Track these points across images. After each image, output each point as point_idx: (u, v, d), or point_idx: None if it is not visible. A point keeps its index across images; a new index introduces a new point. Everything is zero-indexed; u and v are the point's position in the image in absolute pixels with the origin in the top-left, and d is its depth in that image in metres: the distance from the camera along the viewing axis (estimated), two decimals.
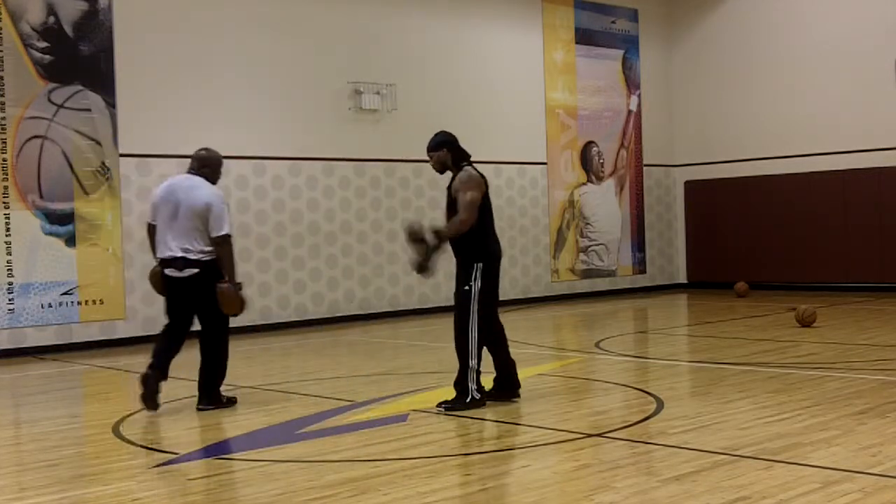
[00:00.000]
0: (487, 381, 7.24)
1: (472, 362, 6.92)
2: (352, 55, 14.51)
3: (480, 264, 6.94)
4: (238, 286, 7.23)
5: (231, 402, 7.47)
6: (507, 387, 7.25)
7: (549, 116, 17.09)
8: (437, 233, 6.93)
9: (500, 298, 7.33)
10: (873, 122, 16.39)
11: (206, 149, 7.60)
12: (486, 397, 7.03)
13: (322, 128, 14.13)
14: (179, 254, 7.15)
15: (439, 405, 7.00)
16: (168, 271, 7.23)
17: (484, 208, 6.99)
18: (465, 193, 6.88)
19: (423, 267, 6.96)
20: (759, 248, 17.86)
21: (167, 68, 12.77)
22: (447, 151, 7.08)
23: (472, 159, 7.18)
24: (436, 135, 7.21)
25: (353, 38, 14.56)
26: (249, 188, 13.47)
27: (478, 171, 7.07)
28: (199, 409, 7.28)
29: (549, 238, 17.00)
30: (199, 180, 7.38)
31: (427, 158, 7.23)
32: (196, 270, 7.14)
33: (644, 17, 18.66)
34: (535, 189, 16.80)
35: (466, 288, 6.92)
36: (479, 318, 6.93)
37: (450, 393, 7.18)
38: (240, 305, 7.24)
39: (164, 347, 7.31)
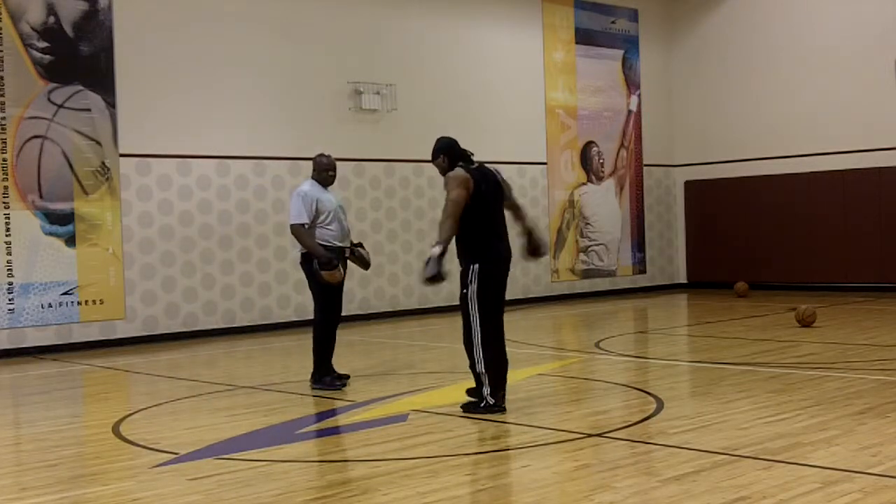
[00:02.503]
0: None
1: (479, 367, 6.82)
2: (352, 55, 14.51)
3: (477, 266, 6.81)
4: (324, 262, 7.96)
5: (334, 385, 8.11)
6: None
7: (549, 116, 17.10)
8: (439, 242, 6.70)
9: None
10: (873, 122, 16.40)
11: (319, 154, 8.55)
12: (501, 404, 6.87)
13: (322, 128, 14.12)
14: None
15: (461, 406, 6.98)
16: None
17: (479, 208, 6.81)
18: (447, 195, 6.77)
19: (435, 278, 6.58)
20: (759, 248, 17.86)
21: (167, 68, 12.77)
22: (444, 158, 7.02)
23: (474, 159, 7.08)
24: (435, 142, 7.14)
25: (353, 38, 14.57)
26: (249, 188, 13.47)
27: (472, 169, 6.90)
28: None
29: (549, 238, 16.99)
30: (305, 181, 8.45)
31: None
32: (299, 258, 8.28)
33: (644, 17, 18.67)
34: (535, 189, 16.79)
35: (464, 291, 6.84)
36: (481, 321, 6.81)
37: (455, 392, 7.23)
38: (330, 277, 8.01)
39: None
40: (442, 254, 6.55)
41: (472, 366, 6.88)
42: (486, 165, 7.10)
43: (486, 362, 6.80)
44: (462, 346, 6.99)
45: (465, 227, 6.79)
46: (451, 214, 6.69)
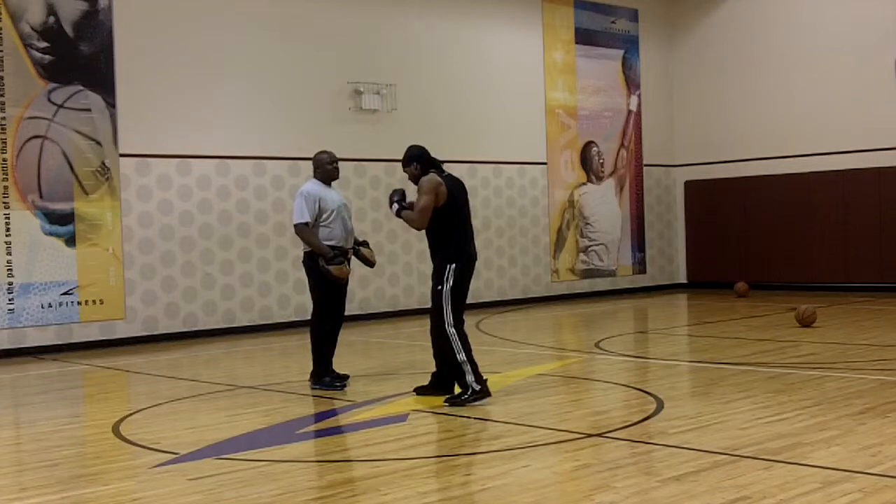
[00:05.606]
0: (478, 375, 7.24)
1: (461, 356, 7.14)
2: (352, 55, 14.51)
3: (453, 266, 7.24)
4: (330, 258, 7.94)
5: (334, 385, 8.07)
6: (444, 386, 7.42)
7: (549, 116, 17.09)
8: (400, 209, 7.39)
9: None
10: (873, 122, 16.39)
11: (319, 151, 8.48)
12: (486, 388, 7.18)
13: (322, 128, 14.12)
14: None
15: (445, 400, 7.19)
16: None
17: (454, 212, 7.27)
18: (419, 199, 7.23)
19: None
20: (759, 248, 17.86)
21: (167, 68, 12.77)
22: (417, 165, 7.44)
23: (454, 160, 7.43)
24: (406, 150, 7.55)
25: (353, 38, 14.56)
26: (249, 188, 13.47)
27: (443, 176, 7.32)
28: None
29: (549, 238, 17.00)
30: (307, 181, 8.43)
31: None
32: (302, 258, 8.28)
33: (644, 17, 18.67)
34: (535, 189, 16.79)
35: (439, 288, 7.24)
36: (454, 316, 7.20)
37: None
38: (339, 272, 7.98)
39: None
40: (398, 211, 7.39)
41: (452, 357, 7.17)
42: (454, 175, 7.54)
43: (466, 351, 7.16)
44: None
45: (441, 229, 7.29)
46: (419, 219, 7.21)
